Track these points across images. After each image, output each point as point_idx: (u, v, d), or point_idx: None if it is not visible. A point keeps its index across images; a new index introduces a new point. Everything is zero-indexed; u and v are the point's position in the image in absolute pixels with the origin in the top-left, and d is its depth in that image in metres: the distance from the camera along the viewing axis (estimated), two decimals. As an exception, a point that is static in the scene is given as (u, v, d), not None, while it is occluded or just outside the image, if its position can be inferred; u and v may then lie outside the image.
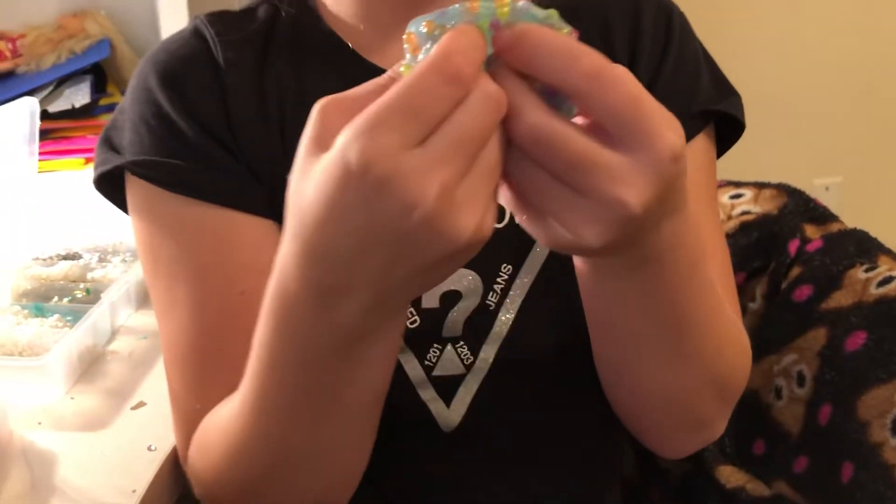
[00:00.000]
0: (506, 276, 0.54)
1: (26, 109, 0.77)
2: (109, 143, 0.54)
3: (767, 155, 1.81)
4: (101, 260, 0.75)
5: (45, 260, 0.75)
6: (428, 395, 0.54)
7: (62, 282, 0.71)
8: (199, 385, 0.51)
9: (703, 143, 0.59)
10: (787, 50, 1.77)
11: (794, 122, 1.82)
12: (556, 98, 0.34)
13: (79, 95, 1.11)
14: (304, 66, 0.55)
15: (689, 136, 0.57)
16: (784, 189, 0.80)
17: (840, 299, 0.68)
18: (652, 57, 0.57)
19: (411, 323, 0.53)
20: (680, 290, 0.43)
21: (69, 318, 0.66)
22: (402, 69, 0.34)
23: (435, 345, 0.54)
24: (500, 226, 0.53)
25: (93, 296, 0.68)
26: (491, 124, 0.33)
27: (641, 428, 0.56)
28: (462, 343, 0.54)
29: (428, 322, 0.53)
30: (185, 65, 0.53)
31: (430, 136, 0.32)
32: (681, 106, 0.53)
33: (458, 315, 0.54)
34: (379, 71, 0.48)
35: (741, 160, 1.84)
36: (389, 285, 0.34)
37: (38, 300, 0.70)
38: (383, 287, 0.34)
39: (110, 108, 1.16)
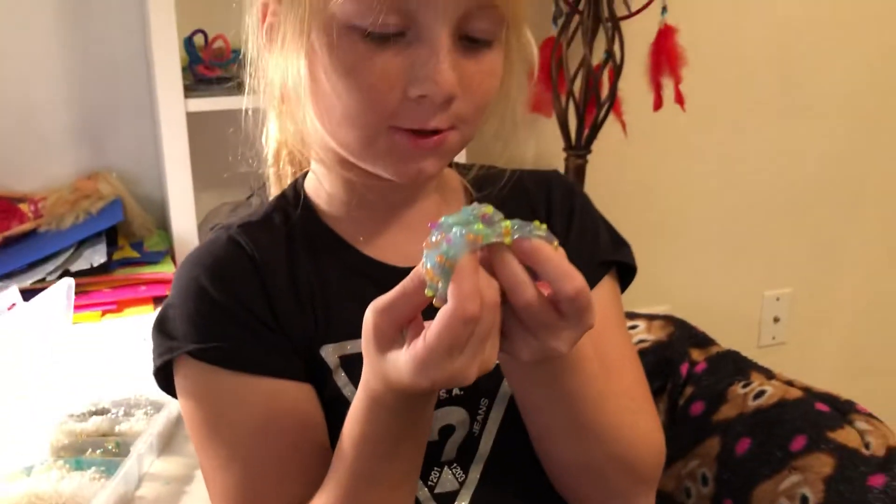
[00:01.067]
0: (484, 409, 0.69)
1: (65, 287, 0.93)
2: (164, 334, 0.64)
3: (723, 270, 1.99)
4: (126, 413, 0.89)
5: (78, 416, 0.89)
6: None
7: (94, 436, 0.86)
8: None
9: (608, 284, 0.76)
10: (734, 179, 1.92)
11: (745, 241, 1.99)
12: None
13: (96, 256, 1.25)
14: (318, 259, 0.69)
15: (597, 280, 0.74)
16: (670, 319, 0.96)
17: (727, 412, 0.84)
18: (561, 227, 0.75)
19: None
20: (570, 376, 0.61)
21: (103, 468, 0.80)
22: (427, 292, 0.51)
23: (435, 468, 0.69)
24: None
25: (122, 448, 0.82)
26: (496, 319, 0.52)
27: (574, 497, 0.69)
28: (455, 464, 0.69)
29: (430, 452, 0.67)
30: (229, 264, 0.66)
31: (465, 345, 0.51)
32: (587, 259, 0.71)
33: (452, 443, 0.69)
34: (371, 260, 0.70)
35: (703, 276, 2.01)
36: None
37: (75, 453, 0.84)
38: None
39: (122, 262, 1.31)
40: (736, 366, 0.88)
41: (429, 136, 0.62)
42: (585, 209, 0.78)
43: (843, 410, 0.80)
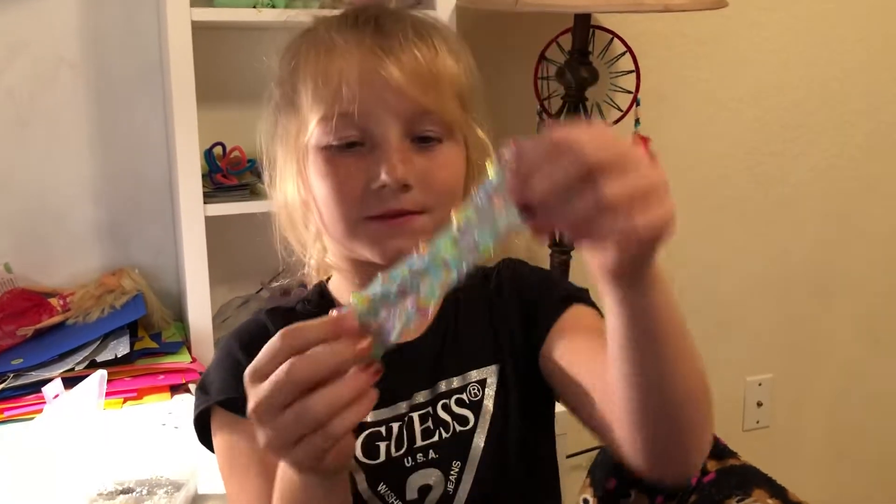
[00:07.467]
0: (456, 471, 0.81)
1: (98, 378, 1.04)
2: (203, 390, 0.82)
3: (707, 356, 2.07)
4: (149, 492, 0.99)
5: (107, 494, 1.00)
6: None
7: (122, 512, 0.96)
8: None
9: (579, 308, 0.82)
10: (713, 271, 2.03)
11: (726, 329, 2.08)
12: None
13: (120, 347, 1.36)
14: None
15: (562, 309, 0.81)
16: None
17: (715, 523, 0.87)
18: (511, 292, 0.86)
19: None
20: (674, 306, 0.62)
21: (130, 540, 0.90)
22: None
23: None
24: (447, 435, 0.80)
25: (147, 523, 0.93)
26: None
27: (635, 448, 0.66)
28: None
29: None
30: (256, 340, 0.78)
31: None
32: (547, 299, 0.81)
33: (429, 501, 0.80)
34: None
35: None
36: None
37: (105, 528, 0.94)
38: None
39: (143, 352, 1.41)
40: (741, 480, 0.89)
41: (397, 217, 0.76)
42: (534, 270, 0.89)
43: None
